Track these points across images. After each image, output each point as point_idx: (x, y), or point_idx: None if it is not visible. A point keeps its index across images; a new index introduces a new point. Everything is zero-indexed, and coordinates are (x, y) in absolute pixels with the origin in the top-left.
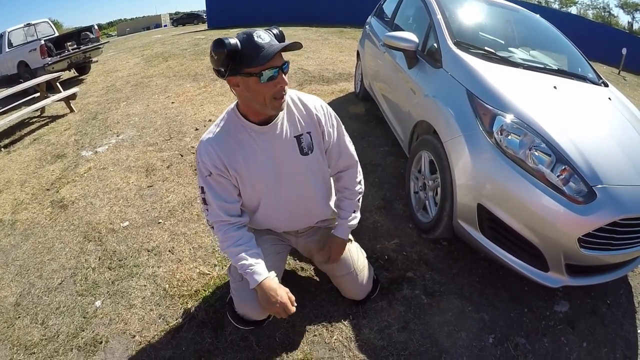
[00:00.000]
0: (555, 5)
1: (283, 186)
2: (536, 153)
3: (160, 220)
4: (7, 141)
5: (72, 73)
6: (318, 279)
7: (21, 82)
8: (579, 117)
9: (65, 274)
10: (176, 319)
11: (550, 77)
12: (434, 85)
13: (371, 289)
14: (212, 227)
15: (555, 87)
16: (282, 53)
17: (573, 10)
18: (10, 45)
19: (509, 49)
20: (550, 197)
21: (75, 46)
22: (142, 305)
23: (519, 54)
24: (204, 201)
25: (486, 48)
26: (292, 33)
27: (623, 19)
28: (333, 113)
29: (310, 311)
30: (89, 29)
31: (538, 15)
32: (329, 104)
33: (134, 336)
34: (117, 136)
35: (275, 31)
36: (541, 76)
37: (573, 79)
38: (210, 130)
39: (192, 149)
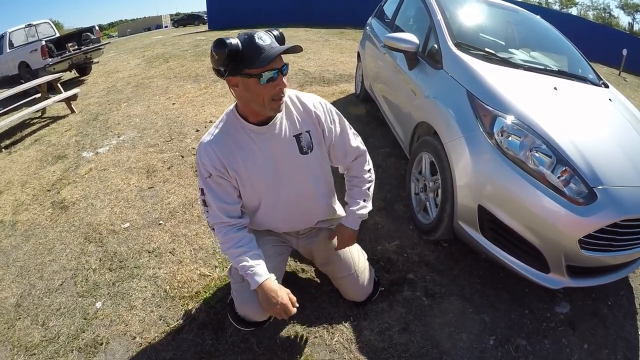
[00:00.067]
0: (556, 6)
1: (283, 186)
2: (537, 154)
3: (161, 222)
4: (8, 142)
5: (73, 74)
6: (319, 281)
7: (22, 83)
8: (580, 119)
9: (66, 275)
10: (177, 321)
11: (550, 78)
12: (434, 87)
13: (372, 291)
14: (213, 229)
15: (555, 88)
16: (282, 55)
17: (573, 11)
18: (11, 45)
19: (510, 50)
20: (551, 199)
21: (76, 47)
22: (142, 306)
23: (519, 55)
24: (204, 203)
25: (486, 49)
26: (293, 34)
27: (623, 19)
28: (333, 109)
29: (310, 313)
30: (90, 29)
31: (538, 17)
32: None
33: (135, 337)
34: (118, 137)
35: (275, 33)
36: (541, 77)
37: (573, 80)
38: (209, 132)
39: (192, 150)
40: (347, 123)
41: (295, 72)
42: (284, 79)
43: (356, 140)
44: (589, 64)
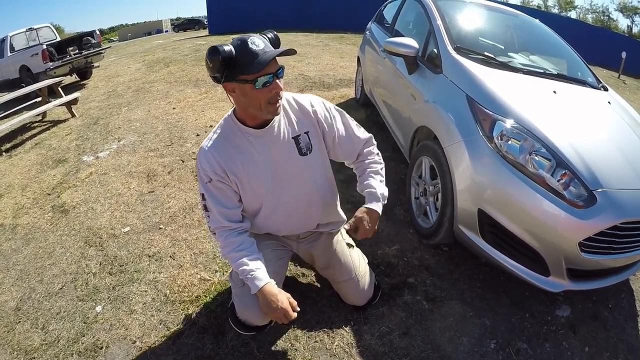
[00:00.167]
0: (555, 10)
1: (282, 188)
2: (536, 158)
3: (161, 226)
4: (8, 145)
5: (74, 78)
6: (319, 285)
7: (23, 87)
8: (579, 122)
9: (66, 279)
10: (177, 325)
11: (549, 81)
12: (434, 91)
13: (372, 295)
14: (214, 234)
15: (555, 92)
16: (280, 57)
17: (572, 14)
18: (12, 49)
19: (509, 54)
20: (551, 202)
21: (77, 51)
22: (142, 310)
23: (518, 59)
24: (205, 208)
25: (486, 53)
26: (293, 39)
27: (622, 22)
28: (332, 106)
29: (311, 317)
30: (91, 34)
31: (537, 20)
32: None
33: (135, 342)
34: (119, 141)
35: (270, 35)
36: (541, 81)
37: (573, 84)
38: (208, 138)
39: (193, 154)
40: (348, 116)
41: (296, 76)
42: (280, 82)
43: (360, 131)
44: (588, 67)
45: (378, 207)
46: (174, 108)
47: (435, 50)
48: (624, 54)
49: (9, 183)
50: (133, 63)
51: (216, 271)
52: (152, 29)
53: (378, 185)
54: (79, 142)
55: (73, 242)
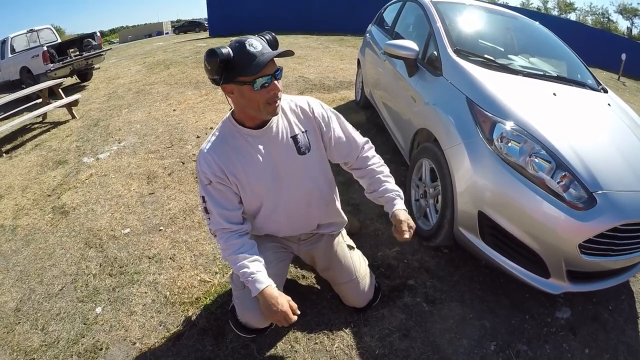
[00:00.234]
0: (554, 12)
1: (282, 187)
2: (536, 160)
3: (161, 228)
4: (8, 146)
5: (74, 79)
6: (319, 287)
7: (23, 88)
8: (579, 124)
9: (66, 280)
10: (177, 327)
11: (549, 84)
12: (434, 93)
13: (372, 297)
14: (215, 236)
15: (554, 94)
16: (276, 59)
17: (572, 16)
18: (13, 51)
19: (509, 56)
20: (551, 204)
21: (77, 53)
22: (142, 312)
23: (518, 61)
24: (206, 210)
25: (486, 56)
26: (293, 41)
27: (622, 24)
28: (328, 107)
29: (311, 319)
30: (91, 35)
31: (537, 22)
32: None
33: (135, 343)
34: (119, 143)
35: (268, 37)
36: (541, 83)
37: (572, 86)
38: (208, 140)
39: (193, 156)
40: (343, 119)
41: (296, 79)
42: (279, 83)
43: (357, 133)
44: (588, 69)
45: (401, 205)
46: (174, 110)
47: (435, 52)
48: (623, 56)
49: (9, 184)
50: (133, 65)
51: (216, 273)
52: (152, 31)
53: (396, 187)
54: (79, 144)
55: (73, 243)
